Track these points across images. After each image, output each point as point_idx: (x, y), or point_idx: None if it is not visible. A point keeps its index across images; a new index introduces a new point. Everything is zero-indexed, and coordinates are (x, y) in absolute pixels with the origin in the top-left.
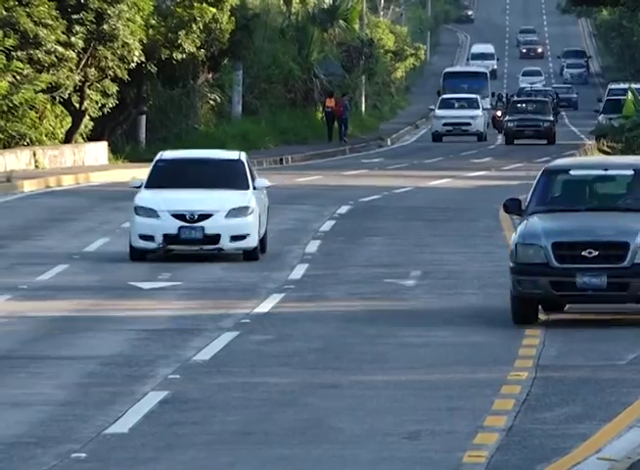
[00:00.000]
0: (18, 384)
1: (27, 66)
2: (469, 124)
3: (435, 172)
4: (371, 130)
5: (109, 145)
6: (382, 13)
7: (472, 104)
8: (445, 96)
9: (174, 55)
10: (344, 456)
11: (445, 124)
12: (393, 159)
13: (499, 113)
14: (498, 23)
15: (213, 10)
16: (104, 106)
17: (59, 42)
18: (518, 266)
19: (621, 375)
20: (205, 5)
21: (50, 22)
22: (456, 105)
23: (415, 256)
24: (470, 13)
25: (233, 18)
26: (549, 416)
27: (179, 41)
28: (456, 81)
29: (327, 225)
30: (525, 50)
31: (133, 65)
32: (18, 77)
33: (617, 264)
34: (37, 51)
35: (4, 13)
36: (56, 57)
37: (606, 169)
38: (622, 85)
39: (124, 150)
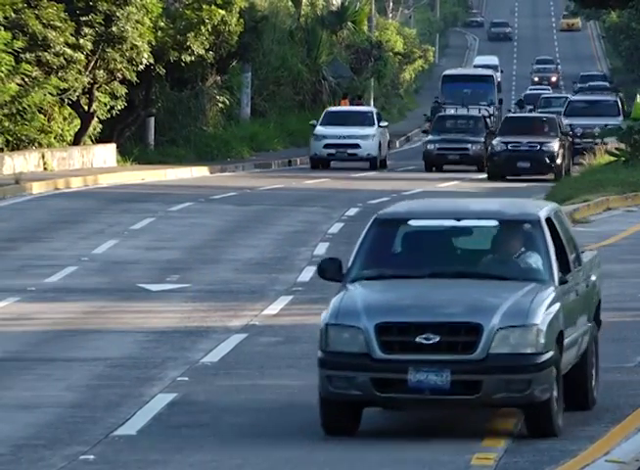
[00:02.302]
0: (26, 386)
1: (36, 68)
2: (357, 146)
3: (444, 175)
4: None
5: (117, 147)
6: (390, 15)
7: (364, 120)
8: (331, 109)
9: (183, 57)
10: (353, 458)
11: (327, 146)
12: (402, 161)
13: None
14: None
15: (222, 12)
16: (112, 108)
17: (67, 44)
18: (328, 357)
19: (629, 377)
20: (213, 7)
21: (59, 24)
22: (347, 121)
23: None
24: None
25: (242, 20)
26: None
27: (188, 43)
28: (457, 86)
29: (335, 227)
30: (537, 78)
31: (142, 67)
32: (26, 80)
33: (464, 356)
34: (46, 53)
35: (13, 15)
36: (64, 59)
37: (459, 219)
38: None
39: (133, 152)
